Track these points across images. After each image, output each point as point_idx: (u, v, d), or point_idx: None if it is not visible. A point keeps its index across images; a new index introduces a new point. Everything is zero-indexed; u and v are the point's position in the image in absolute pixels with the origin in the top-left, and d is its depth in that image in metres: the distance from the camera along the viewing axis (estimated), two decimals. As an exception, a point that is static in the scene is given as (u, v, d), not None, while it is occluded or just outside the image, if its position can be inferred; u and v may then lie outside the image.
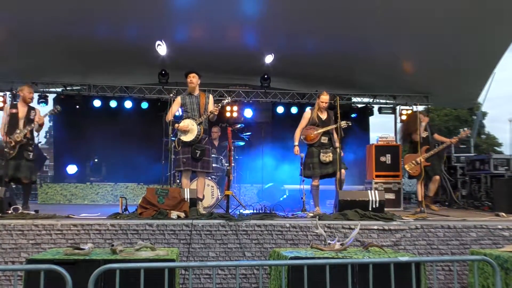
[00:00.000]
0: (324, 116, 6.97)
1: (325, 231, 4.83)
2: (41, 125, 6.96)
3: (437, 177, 8.11)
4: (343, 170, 6.72)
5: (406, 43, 8.93)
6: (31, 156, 6.81)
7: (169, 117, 6.57)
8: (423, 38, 8.56)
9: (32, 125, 6.79)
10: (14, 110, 6.81)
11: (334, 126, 6.81)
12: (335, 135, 6.88)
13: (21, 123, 6.77)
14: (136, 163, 10.45)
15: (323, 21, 8.33)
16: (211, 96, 6.88)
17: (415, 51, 9.25)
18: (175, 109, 6.67)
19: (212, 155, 8.82)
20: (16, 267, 3.81)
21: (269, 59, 9.87)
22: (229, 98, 7.30)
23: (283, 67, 10.35)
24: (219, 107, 6.70)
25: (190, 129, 6.49)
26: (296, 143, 6.96)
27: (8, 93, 10.88)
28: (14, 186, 7.61)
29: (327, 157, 6.73)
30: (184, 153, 6.49)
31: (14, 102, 7.26)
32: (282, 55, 9.73)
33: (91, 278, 2.79)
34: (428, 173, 7.83)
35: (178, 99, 6.69)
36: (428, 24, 8.08)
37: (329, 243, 4.29)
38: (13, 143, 6.63)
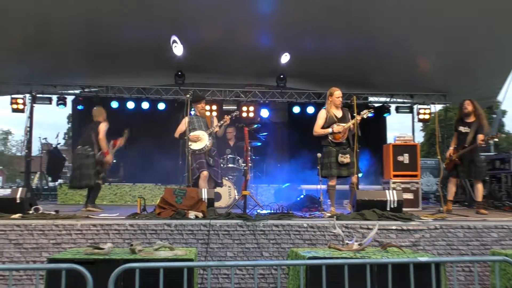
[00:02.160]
0: (340, 114, 6.85)
1: (342, 231, 4.80)
2: None
3: (479, 181, 7.37)
4: (356, 176, 6.68)
5: (423, 41, 8.84)
6: None
7: (177, 134, 7.17)
8: (440, 36, 8.46)
9: None
10: None
11: (353, 121, 6.67)
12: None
13: None
14: (153, 164, 10.52)
15: (339, 20, 8.30)
16: (215, 117, 7.52)
17: (432, 49, 9.15)
18: (183, 128, 7.05)
19: (229, 156, 8.89)
20: (38, 266, 3.86)
21: (284, 59, 9.86)
22: (237, 112, 7.55)
23: (299, 66, 10.34)
24: (228, 121, 7.25)
25: (201, 138, 7.02)
26: (329, 130, 6.73)
27: (27, 95, 11.07)
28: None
29: (345, 158, 6.58)
30: (196, 160, 6.89)
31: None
32: (298, 55, 9.72)
33: (111, 277, 2.83)
34: (459, 174, 7.58)
35: (186, 119, 7.06)
36: (445, 22, 7.98)
37: (347, 243, 4.27)
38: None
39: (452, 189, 7.57)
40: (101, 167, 7.51)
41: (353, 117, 6.73)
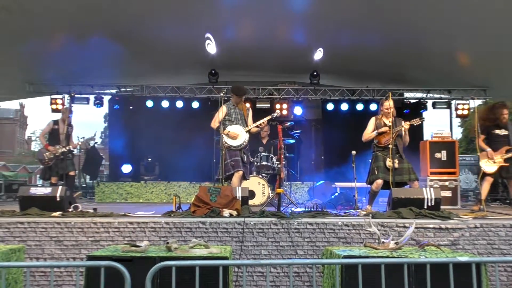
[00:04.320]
0: (389, 121, 6.73)
1: (378, 230, 4.73)
2: (74, 148, 8.51)
3: None
4: (416, 182, 6.54)
5: (462, 34, 8.58)
6: (69, 157, 8.31)
7: (215, 124, 6.92)
8: (479, 28, 8.18)
9: (69, 145, 8.23)
10: (55, 126, 8.30)
11: (401, 127, 6.54)
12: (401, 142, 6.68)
13: (61, 137, 8.17)
14: (188, 162, 10.63)
15: (375, 14, 8.15)
16: (251, 110, 7.32)
17: (471, 42, 8.87)
18: (221, 117, 6.91)
19: (262, 153, 8.89)
20: (78, 264, 3.96)
21: (318, 55, 9.77)
22: (276, 113, 7.50)
23: (332, 63, 10.23)
24: (266, 123, 7.18)
25: (239, 134, 6.87)
26: (375, 132, 6.70)
27: (66, 95, 11.38)
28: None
29: (393, 162, 6.46)
30: (232, 157, 6.78)
31: (56, 120, 8.52)
32: (332, 51, 9.61)
33: (148, 274, 2.87)
34: (501, 174, 7.43)
35: (224, 109, 6.97)
36: (485, 14, 7.72)
37: (383, 242, 4.19)
38: (52, 155, 8.10)
39: (487, 188, 7.39)
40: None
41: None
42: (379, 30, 8.78)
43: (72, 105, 11.28)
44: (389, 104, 6.70)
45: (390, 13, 8.10)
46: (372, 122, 6.86)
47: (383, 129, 6.64)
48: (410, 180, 6.53)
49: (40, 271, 4.92)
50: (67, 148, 8.16)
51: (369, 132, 6.79)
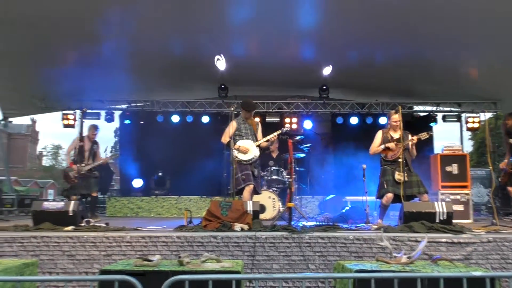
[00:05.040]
0: (397, 135, 6.76)
1: (390, 244, 4.71)
2: (103, 164, 8.71)
3: None
4: (425, 195, 6.53)
5: (471, 47, 8.60)
6: (94, 175, 8.44)
7: (226, 139, 6.95)
8: (489, 40, 8.18)
9: (96, 161, 8.42)
10: (81, 143, 8.38)
11: (409, 141, 6.57)
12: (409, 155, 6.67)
13: (86, 154, 8.33)
14: (198, 176, 10.65)
15: (382, 30, 8.21)
16: (260, 125, 7.34)
17: (481, 55, 8.88)
18: (232, 132, 6.94)
19: (273, 168, 8.90)
20: (92, 278, 3.99)
21: (327, 70, 9.82)
22: (286, 128, 7.54)
23: (341, 77, 10.28)
24: (276, 137, 7.16)
25: (250, 149, 6.87)
26: (382, 146, 6.73)
27: (78, 111, 11.50)
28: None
29: (401, 175, 6.45)
30: (242, 171, 6.78)
31: (82, 136, 8.64)
32: (340, 66, 9.67)
33: (161, 288, 2.88)
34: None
35: (234, 124, 7.00)
36: (496, 27, 7.72)
37: (395, 256, 4.18)
38: (77, 174, 8.16)
39: None
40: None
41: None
42: (387, 45, 8.84)
43: (83, 120, 11.45)
44: (398, 117, 6.71)
45: (398, 29, 8.16)
46: (379, 135, 6.87)
47: (390, 145, 6.65)
48: (419, 193, 6.52)
49: (53, 285, 4.94)
50: (93, 165, 8.28)
51: (376, 146, 6.80)
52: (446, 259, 4.23)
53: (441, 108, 12.02)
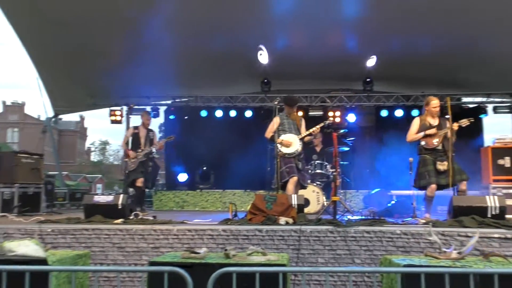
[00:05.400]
0: (435, 122, 6.53)
1: (439, 239, 4.59)
2: (160, 149, 8.63)
3: None
4: (464, 183, 6.30)
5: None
6: (149, 170, 8.26)
7: (269, 134, 7.04)
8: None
9: (152, 147, 8.25)
10: (136, 131, 8.38)
11: (448, 129, 6.34)
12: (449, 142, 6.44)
13: (142, 141, 8.22)
14: (242, 171, 10.71)
15: (428, 19, 7.98)
16: (303, 120, 7.33)
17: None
18: (275, 127, 6.99)
19: (316, 161, 8.85)
20: (143, 269, 4.09)
21: (371, 62, 9.65)
22: (329, 121, 7.50)
23: (386, 69, 10.06)
24: (318, 130, 7.20)
25: (293, 142, 6.89)
26: (422, 133, 6.48)
27: (124, 107, 11.81)
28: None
29: (442, 165, 6.24)
30: (286, 164, 6.81)
31: (136, 125, 8.64)
32: (385, 57, 9.46)
33: (210, 280, 2.92)
34: None
35: (278, 119, 7.05)
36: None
37: (445, 251, 4.07)
38: (135, 158, 8.09)
39: None
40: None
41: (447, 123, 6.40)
42: (434, 35, 8.59)
43: (130, 116, 11.74)
44: (437, 102, 6.50)
45: (443, 17, 7.90)
46: (416, 122, 6.62)
47: (431, 131, 6.41)
48: (462, 180, 6.29)
49: (104, 276, 5.10)
50: (150, 150, 8.21)
51: (413, 133, 6.57)
52: (499, 255, 4.08)
53: (492, 99, 11.59)
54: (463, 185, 6.32)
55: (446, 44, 8.79)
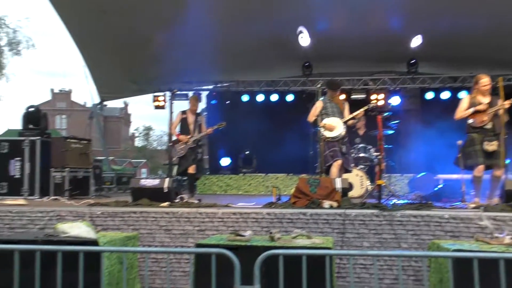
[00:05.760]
0: (486, 100, 6.17)
1: (491, 224, 4.45)
2: (208, 133, 8.22)
3: None
4: (499, 171, 6.00)
5: None
6: (199, 156, 8.05)
7: (312, 118, 6.99)
8: None
9: (202, 132, 8.00)
10: (184, 116, 8.10)
11: (499, 107, 6.06)
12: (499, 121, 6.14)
13: (191, 127, 7.99)
14: (284, 154, 10.70)
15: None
16: (347, 104, 7.20)
17: None
18: (318, 111, 6.92)
19: (360, 145, 8.73)
20: (191, 250, 4.20)
21: (416, 42, 9.37)
22: (372, 104, 7.33)
23: (432, 49, 9.75)
24: (362, 113, 7.09)
25: (336, 126, 6.83)
26: (472, 109, 6.14)
27: (168, 92, 11.98)
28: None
29: (491, 145, 5.94)
30: (329, 148, 6.78)
31: (184, 110, 8.34)
32: (431, 37, 9.16)
33: (257, 262, 2.96)
34: None
35: (320, 103, 6.98)
36: None
37: (497, 237, 3.95)
38: (183, 145, 7.90)
39: None
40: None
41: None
42: (483, 11, 8.21)
43: (173, 101, 11.90)
44: (487, 80, 6.16)
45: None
46: (466, 100, 6.28)
47: (481, 106, 6.07)
48: (497, 165, 5.98)
49: (152, 257, 5.24)
50: (199, 136, 7.96)
51: (462, 110, 6.22)
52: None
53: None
54: (497, 172, 6.01)
55: (495, 21, 8.41)
